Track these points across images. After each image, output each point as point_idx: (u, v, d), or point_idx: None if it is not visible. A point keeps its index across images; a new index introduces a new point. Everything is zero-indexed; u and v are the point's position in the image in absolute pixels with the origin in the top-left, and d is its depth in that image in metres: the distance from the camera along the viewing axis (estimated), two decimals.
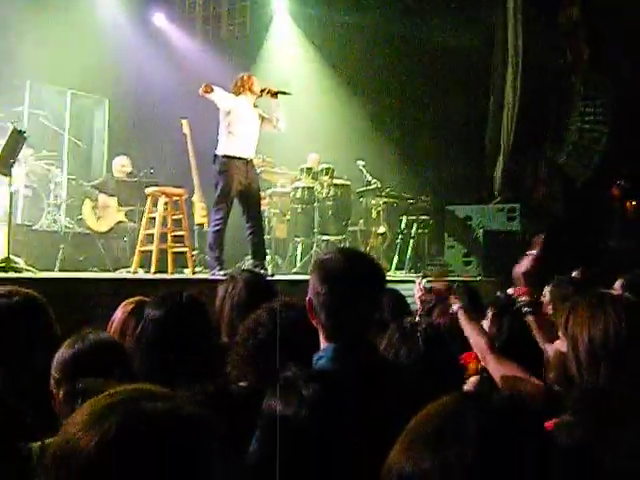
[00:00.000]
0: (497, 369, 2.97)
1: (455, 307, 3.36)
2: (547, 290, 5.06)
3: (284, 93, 8.58)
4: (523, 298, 3.46)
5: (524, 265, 3.68)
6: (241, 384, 2.84)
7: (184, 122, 10.88)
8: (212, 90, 8.06)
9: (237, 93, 8.36)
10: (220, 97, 8.19)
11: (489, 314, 4.19)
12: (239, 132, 8.24)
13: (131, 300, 3.74)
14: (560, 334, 2.56)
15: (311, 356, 2.48)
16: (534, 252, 3.59)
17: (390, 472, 1.19)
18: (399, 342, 2.86)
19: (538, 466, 1.15)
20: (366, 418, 1.76)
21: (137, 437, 1.15)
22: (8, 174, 7.32)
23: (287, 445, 1.70)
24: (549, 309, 4.65)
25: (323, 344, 2.47)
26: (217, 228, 8.19)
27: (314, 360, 2.39)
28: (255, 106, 8.50)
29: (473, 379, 3.40)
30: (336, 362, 2.33)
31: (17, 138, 7.43)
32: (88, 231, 10.47)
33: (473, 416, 1.16)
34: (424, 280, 4.19)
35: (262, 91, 8.41)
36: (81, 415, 1.20)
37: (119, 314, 3.64)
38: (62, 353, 2.59)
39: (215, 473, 1.21)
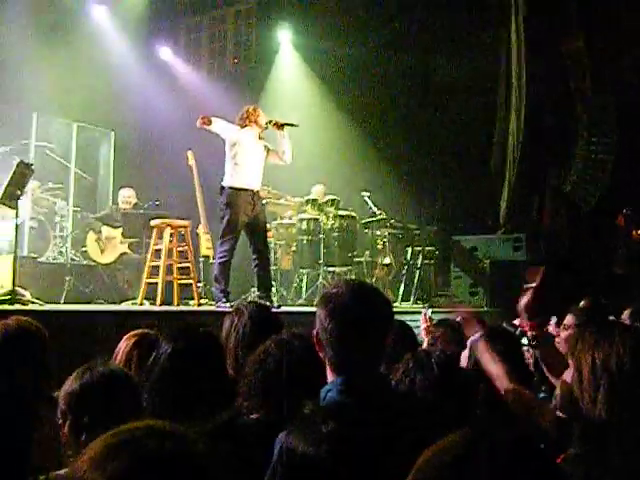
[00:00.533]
0: (515, 400, 2.94)
1: (476, 335, 3.31)
2: (566, 321, 5.05)
3: (290, 125, 8.62)
4: (529, 332, 3.43)
5: (524, 299, 3.67)
6: (252, 416, 2.83)
7: (189, 154, 10.92)
8: (210, 122, 8.10)
9: (242, 125, 8.39)
10: (222, 128, 8.22)
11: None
12: (245, 164, 8.26)
13: (134, 332, 3.74)
14: (570, 362, 2.54)
15: (320, 388, 2.46)
16: (531, 285, 3.56)
17: None
18: (414, 370, 2.83)
19: None
20: (380, 452, 1.74)
21: (144, 477, 1.13)
22: (14, 207, 7.34)
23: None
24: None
25: (330, 377, 2.44)
26: (223, 260, 8.19)
27: (322, 393, 2.36)
28: (260, 138, 8.53)
29: None
30: (344, 395, 2.30)
31: (23, 171, 7.45)
32: (93, 263, 10.48)
33: (484, 455, 1.13)
34: (429, 310, 4.17)
35: (268, 123, 8.44)
36: (90, 453, 1.17)
37: (122, 346, 3.64)
38: (70, 384, 2.57)
39: None
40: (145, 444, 1.17)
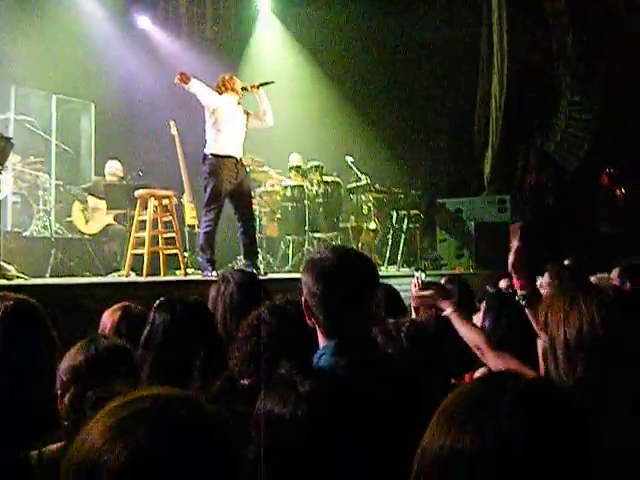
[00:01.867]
0: (497, 363, 2.95)
1: (447, 312, 3.31)
2: (543, 280, 5.06)
3: (266, 83, 8.59)
4: (519, 292, 3.43)
5: (510, 258, 3.67)
6: (244, 382, 2.83)
7: (172, 123, 10.87)
8: (188, 80, 8.03)
9: (220, 93, 8.33)
10: (201, 91, 8.15)
11: (481, 308, 4.19)
12: (226, 131, 8.20)
13: (117, 306, 3.73)
14: (539, 332, 2.54)
15: (307, 355, 2.46)
16: (515, 244, 3.56)
17: (425, 455, 1.18)
18: (383, 342, 2.85)
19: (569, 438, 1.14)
20: (368, 413, 1.73)
21: (168, 446, 1.13)
22: None
23: (285, 445, 1.67)
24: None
25: (322, 342, 2.45)
26: (208, 229, 8.16)
27: (315, 359, 2.38)
28: (239, 104, 8.47)
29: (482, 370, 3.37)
30: (338, 358, 2.32)
31: (3, 145, 7.37)
32: (79, 236, 10.42)
33: (508, 392, 1.16)
34: (423, 275, 4.16)
35: (244, 89, 8.39)
36: (102, 426, 1.16)
37: (109, 320, 3.63)
38: (73, 356, 2.55)
39: (239, 474, 1.20)
40: (164, 412, 1.17)
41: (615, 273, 5.25)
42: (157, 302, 3.19)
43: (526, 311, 3.43)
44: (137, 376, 2.60)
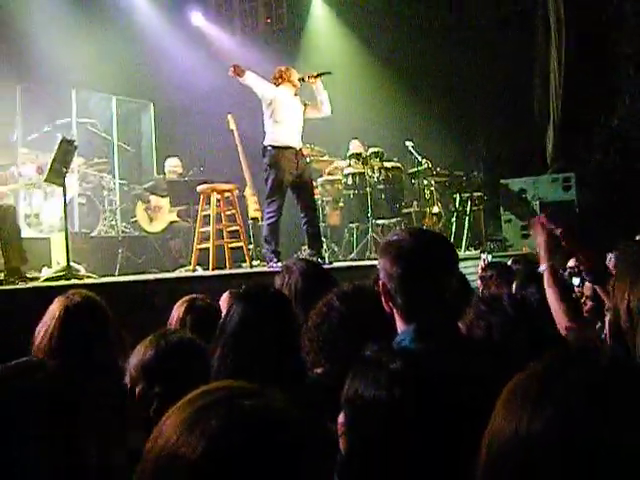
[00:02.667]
0: (576, 339, 2.90)
1: (543, 267, 3.25)
2: (612, 257, 4.96)
3: (324, 74, 8.58)
4: (584, 268, 3.37)
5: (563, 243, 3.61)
6: (317, 371, 2.82)
7: (230, 117, 10.92)
8: (243, 72, 8.06)
9: (277, 85, 8.35)
10: (256, 83, 8.18)
11: None
12: (284, 121, 8.22)
13: (184, 299, 3.77)
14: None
15: (385, 340, 2.43)
16: (557, 231, 3.47)
17: (493, 439, 1.14)
18: (488, 313, 2.78)
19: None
20: (456, 396, 1.69)
21: (244, 435, 1.12)
22: (61, 184, 7.40)
23: (384, 427, 1.63)
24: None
25: (401, 327, 2.41)
26: (272, 220, 8.19)
27: (394, 345, 2.29)
28: (296, 95, 8.48)
29: None
30: (419, 343, 2.25)
31: (67, 148, 7.49)
32: (144, 234, 10.57)
33: (579, 371, 1.11)
34: (489, 256, 4.11)
35: (301, 79, 8.40)
36: (175, 420, 1.17)
37: (175, 313, 3.67)
38: (142, 351, 2.57)
39: (318, 467, 1.18)
40: (236, 402, 1.16)
41: None
42: (228, 292, 3.16)
43: (596, 288, 3.36)
44: (207, 370, 2.60)
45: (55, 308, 3.19)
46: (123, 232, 10.51)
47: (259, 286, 3.13)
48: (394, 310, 2.42)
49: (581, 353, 1.20)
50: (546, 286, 3.17)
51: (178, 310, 3.70)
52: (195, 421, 1.14)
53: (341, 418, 1.71)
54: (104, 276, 8.18)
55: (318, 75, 8.50)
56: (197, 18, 14.67)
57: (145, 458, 1.18)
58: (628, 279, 2.21)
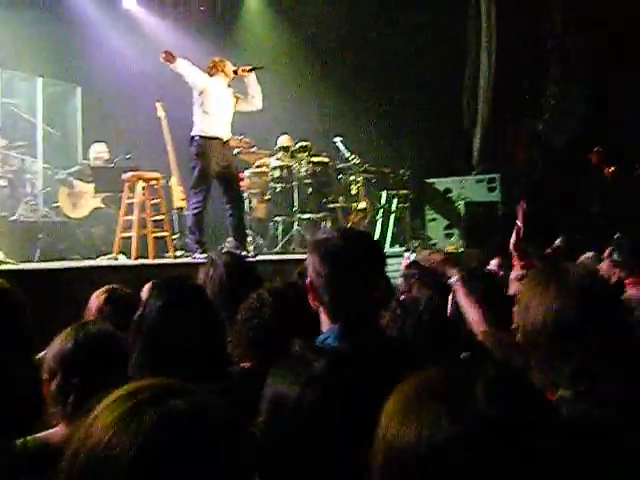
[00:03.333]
0: (492, 342, 2.93)
1: (454, 279, 3.29)
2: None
3: (257, 68, 8.58)
4: (521, 271, 3.43)
5: (512, 238, 3.66)
6: (243, 365, 2.82)
7: (158, 105, 10.79)
8: (174, 58, 7.99)
9: (210, 75, 8.29)
10: (188, 71, 8.12)
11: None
12: (214, 112, 8.18)
13: (103, 289, 3.71)
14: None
15: (312, 335, 2.44)
16: (518, 222, 3.55)
17: (395, 447, 1.14)
18: (403, 315, 2.82)
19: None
20: (379, 394, 1.70)
21: (175, 434, 1.12)
22: None
23: (301, 426, 1.63)
24: None
25: (326, 325, 2.42)
26: (197, 211, 8.14)
27: (319, 341, 2.34)
28: (229, 86, 8.44)
29: None
30: (344, 341, 2.28)
31: None
32: (66, 219, 10.37)
33: (480, 380, 1.13)
34: (412, 255, 4.15)
35: (235, 72, 8.37)
36: (105, 420, 1.15)
37: (94, 303, 3.61)
38: (62, 342, 2.51)
39: (244, 465, 1.20)
40: (171, 401, 1.16)
41: (607, 253, 5.26)
42: (151, 284, 3.13)
43: None
44: (126, 362, 2.57)
45: None
46: (44, 217, 10.28)
47: (176, 278, 3.11)
48: (320, 307, 2.43)
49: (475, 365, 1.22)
50: (460, 296, 3.19)
51: (97, 300, 3.64)
52: (127, 421, 1.13)
53: (261, 416, 1.72)
54: (23, 262, 8.02)
55: (252, 69, 8.49)
56: (128, 2, 14.42)
57: (72, 458, 1.16)
58: (524, 299, 2.24)
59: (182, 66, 8.09)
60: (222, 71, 8.32)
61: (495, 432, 1.08)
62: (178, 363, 2.64)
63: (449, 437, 1.08)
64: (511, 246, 3.47)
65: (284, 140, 11.55)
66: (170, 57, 8.01)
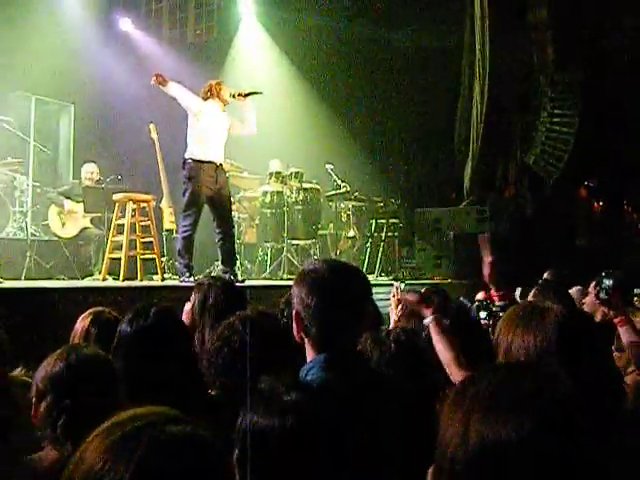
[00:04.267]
0: None
1: (427, 320, 3.29)
2: (530, 296, 5.05)
3: (254, 93, 8.55)
4: (497, 303, 3.44)
5: (485, 271, 3.66)
6: (211, 392, 2.80)
7: (151, 126, 10.81)
8: (165, 82, 8.00)
9: (205, 98, 8.29)
10: (181, 95, 8.12)
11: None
12: (209, 136, 8.17)
13: (89, 311, 3.68)
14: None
15: (287, 365, 2.43)
16: (488, 258, 3.55)
17: (445, 446, 1.15)
18: (371, 347, 2.82)
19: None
20: (358, 426, 1.70)
21: (170, 462, 1.12)
22: None
23: (271, 457, 1.63)
24: None
25: (311, 355, 2.41)
26: (186, 234, 8.10)
27: (303, 372, 2.32)
28: (224, 110, 8.44)
29: None
30: (329, 372, 2.27)
31: None
32: (55, 238, 10.33)
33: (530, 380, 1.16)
34: (402, 285, 4.14)
35: (232, 96, 8.37)
36: (98, 446, 1.15)
37: (79, 326, 3.58)
38: (52, 364, 2.47)
39: None
40: (165, 429, 1.16)
41: (591, 288, 5.26)
42: (128, 313, 3.11)
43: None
44: (116, 386, 2.55)
45: None
46: (33, 235, 10.25)
47: (146, 305, 3.08)
48: (306, 340, 2.42)
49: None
50: (434, 337, 3.18)
51: (83, 322, 3.61)
52: (121, 447, 1.13)
53: (236, 450, 1.71)
54: (9, 280, 7.97)
55: (248, 94, 8.48)
56: (125, 24, 14.50)
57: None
58: (506, 337, 2.24)
59: (174, 89, 8.10)
60: (217, 95, 8.31)
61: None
62: (154, 391, 2.63)
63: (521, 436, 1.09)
64: (486, 279, 3.47)
65: (275, 164, 11.56)
66: (161, 79, 8.01)
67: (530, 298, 5.00)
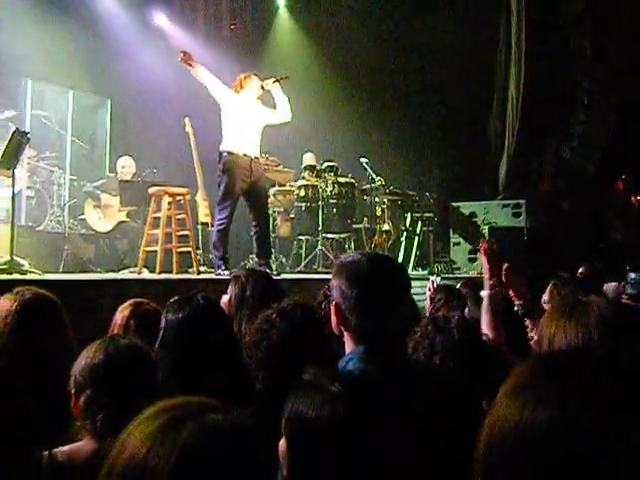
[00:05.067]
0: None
1: (484, 292, 3.30)
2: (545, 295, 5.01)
3: (282, 78, 8.56)
4: (516, 302, 3.44)
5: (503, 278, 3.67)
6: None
7: (186, 120, 10.87)
8: (194, 63, 8.01)
9: (237, 92, 8.31)
10: (209, 81, 8.14)
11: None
12: (241, 129, 8.17)
13: (128, 302, 3.68)
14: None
15: (325, 357, 2.43)
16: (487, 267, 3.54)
17: (495, 425, 1.15)
18: (433, 333, 2.80)
19: None
20: (401, 417, 1.69)
21: (213, 448, 1.14)
22: (10, 175, 7.28)
23: (325, 449, 1.63)
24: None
25: (350, 347, 2.41)
26: (221, 227, 8.12)
27: (341, 364, 2.33)
28: (256, 103, 8.43)
29: None
30: (367, 363, 2.27)
31: (19, 139, 7.37)
32: (92, 232, 10.43)
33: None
34: (438, 278, 4.13)
35: (261, 87, 8.38)
36: (141, 433, 1.17)
37: (119, 317, 3.58)
38: (91, 356, 2.45)
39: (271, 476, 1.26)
40: (208, 416, 1.18)
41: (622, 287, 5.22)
42: (168, 302, 3.12)
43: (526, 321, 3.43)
44: (155, 377, 2.54)
45: (3, 306, 3.12)
46: (70, 229, 10.37)
47: (193, 295, 3.09)
48: (345, 331, 2.42)
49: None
50: (483, 311, 3.21)
51: (122, 313, 3.61)
52: (165, 433, 1.15)
53: (282, 442, 1.71)
54: (47, 272, 8.05)
55: (277, 80, 8.48)
56: (160, 18, 14.56)
57: (108, 470, 1.18)
58: (550, 328, 2.23)
59: (202, 73, 8.10)
60: (248, 88, 8.31)
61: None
62: (201, 380, 2.64)
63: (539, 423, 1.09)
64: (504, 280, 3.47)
65: (308, 158, 11.56)
66: (188, 58, 8.01)
67: (545, 295, 4.96)
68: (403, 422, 1.68)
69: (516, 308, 3.47)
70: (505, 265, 3.47)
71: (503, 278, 3.42)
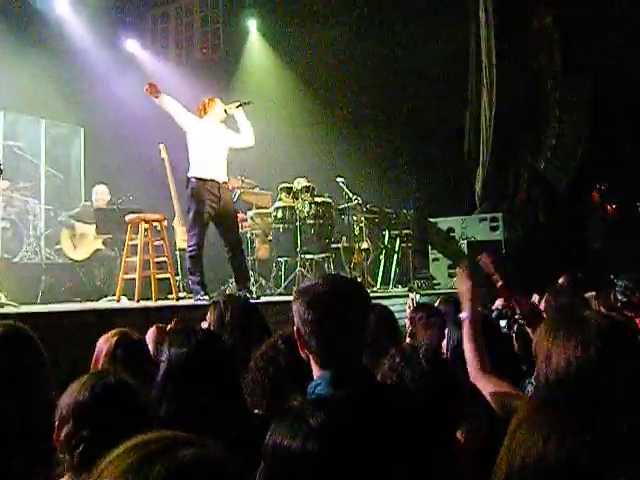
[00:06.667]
0: (486, 387, 2.88)
1: (464, 315, 3.26)
2: (542, 304, 5.02)
3: (245, 104, 8.53)
4: (518, 311, 3.43)
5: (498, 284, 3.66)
6: (257, 412, 2.79)
7: (161, 146, 10.83)
8: (159, 93, 7.96)
9: (201, 117, 8.29)
10: (174, 110, 8.10)
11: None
12: (207, 154, 8.13)
13: (113, 332, 3.63)
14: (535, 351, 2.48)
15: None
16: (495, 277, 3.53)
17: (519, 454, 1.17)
18: (402, 365, 2.78)
19: None
20: (373, 443, 1.68)
21: None
22: None
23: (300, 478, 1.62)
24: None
25: (317, 372, 2.39)
26: (193, 254, 8.06)
27: (309, 389, 2.31)
28: (220, 127, 8.40)
29: None
30: (334, 389, 2.25)
31: None
32: (69, 261, 10.36)
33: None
34: (417, 295, 4.14)
35: (225, 111, 8.36)
36: (115, 469, 1.16)
37: (104, 347, 3.52)
38: (78, 392, 2.41)
39: None
40: (180, 452, 1.16)
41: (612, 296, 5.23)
42: (169, 335, 3.07)
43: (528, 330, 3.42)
44: (140, 415, 2.49)
45: None
46: (47, 259, 10.29)
47: (189, 327, 3.06)
48: (310, 355, 2.40)
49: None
50: (465, 336, 3.16)
51: (107, 343, 3.56)
52: (137, 470, 1.13)
53: (261, 468, 1.70)
54: (25, 304, 7.97)
55: (239, 105, 8.47)
56: (132, 45, 14.57)
57: None
58: (547, 344, 2.24)
59: (167, 102, 8.06)
60: (211, 112, 8.29)
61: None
62: (205, 408, 2.61)
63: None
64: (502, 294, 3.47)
65: (301, 183, 11.47)
66: (154, 89, 7.95)
67: (542, 304, 4.97)
68: (378, 451, 1.67)
69: (518, 317, 3.46)
70: (499, 283, 3.46)
71: (505, 295, 3.41)
